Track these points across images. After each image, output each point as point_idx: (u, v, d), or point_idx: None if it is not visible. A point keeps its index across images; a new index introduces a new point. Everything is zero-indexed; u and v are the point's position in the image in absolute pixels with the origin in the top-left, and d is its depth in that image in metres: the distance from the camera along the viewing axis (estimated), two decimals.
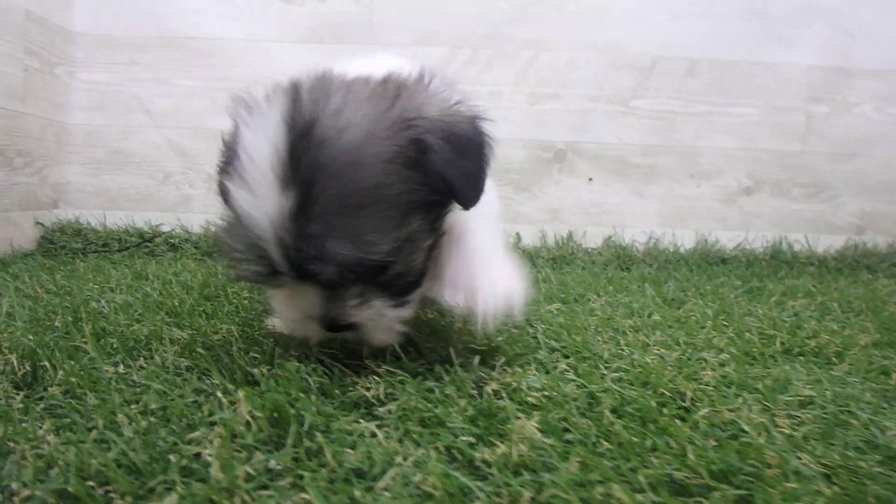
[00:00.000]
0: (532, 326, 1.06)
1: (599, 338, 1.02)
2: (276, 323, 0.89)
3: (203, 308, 1.15)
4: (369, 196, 0.66)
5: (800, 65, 2.20)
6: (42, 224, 1.97)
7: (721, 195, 2.23)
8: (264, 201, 0.65)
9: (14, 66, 1.78)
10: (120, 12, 2.08)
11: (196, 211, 2.13)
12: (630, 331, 1.08)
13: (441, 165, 0.69)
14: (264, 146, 0.66)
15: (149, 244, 2.00)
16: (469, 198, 0.72)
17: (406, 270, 0.72)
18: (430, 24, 2.13)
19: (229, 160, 0.73)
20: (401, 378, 0.74)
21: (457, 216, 0.78)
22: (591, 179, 2.20)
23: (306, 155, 0.65)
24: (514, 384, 0.75)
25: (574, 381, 0.78)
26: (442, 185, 0.70)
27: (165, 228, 2.07)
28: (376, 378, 0.75)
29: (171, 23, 2.09)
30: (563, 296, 1.42)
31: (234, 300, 1.24)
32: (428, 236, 0.74)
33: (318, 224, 0.65)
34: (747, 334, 1.07)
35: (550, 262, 2.07)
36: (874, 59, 2.21)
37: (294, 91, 0.71)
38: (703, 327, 1.13)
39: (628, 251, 2.14)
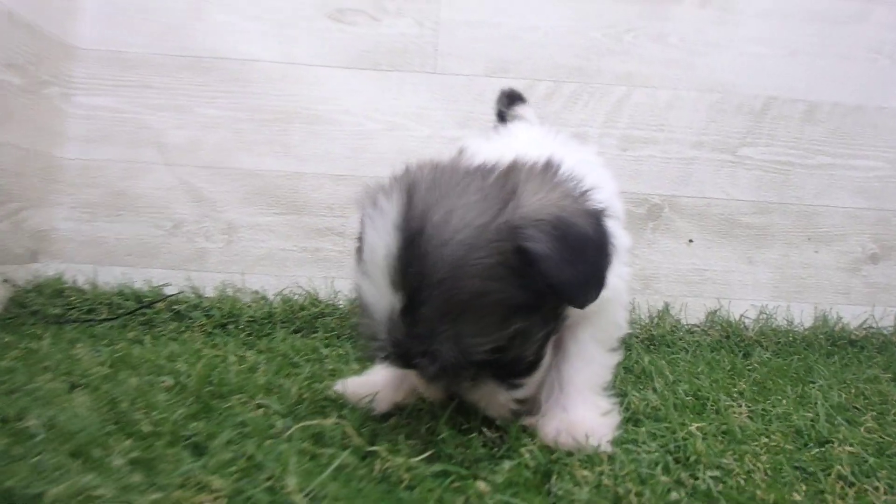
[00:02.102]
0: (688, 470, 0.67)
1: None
2: (347, 386, 0.93)
3: (191, 433, 0.74)
4: (470, 303, 0.68)
5: None
6: (12, 282, 1.54)
7: (844, 263, 1.86)
8: (381, 297, 0.69)
9: None
10: (135, 24, 1.71)
11: (211, 269, 1.71)
12: (830, 477, 0.69)
13: (549, 273, 0.68)
14: (381, 246, 0.69)
15: (147, 311, 1.57)
16: (582, 301, 0.72)
17: (518, 358, 0.76)
18: (505, 51, 1.79)
19: (360, 244, 0.75)
20: None
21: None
22: (691, 241, 1.83)
23: (413, 263, 0.67)
24: None
25: None
26: (550, 291, 0.70)
27: (171, 290, 1.65)
28: None
29: (196, 39, 1.72)
30: (691, 401, 1.03)
31: (243, 408, 0.84)
32: (541, 328, 0.75)
33: (423, 327, 0.68)
34: None
35: (645, 343, 1.67)
36: None
37: (409, 190, 0.71)
38: None
39: (738, 329, 1.75)
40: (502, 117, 1.44)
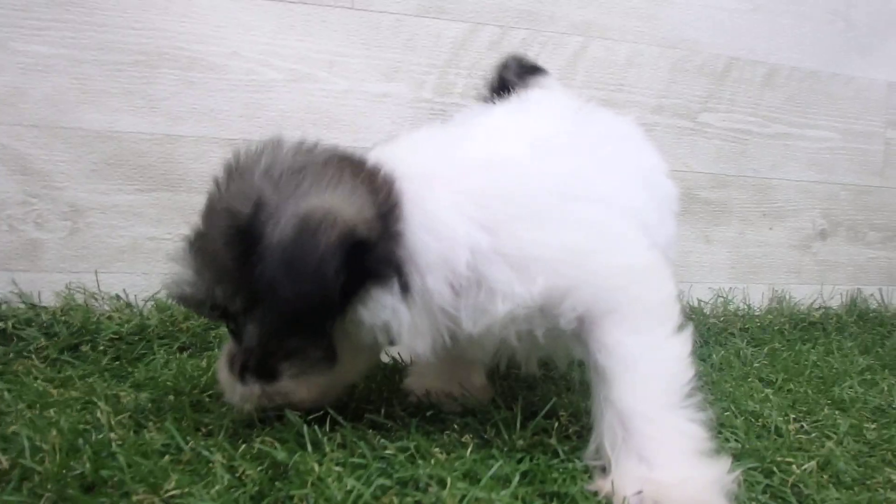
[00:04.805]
0: None
1: None
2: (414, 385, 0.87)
3: None
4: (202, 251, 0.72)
5: (879, 81, 1.79)
6: None
7: (796, 240, 1.75)
8: None
9: None
10: None
11: (48, 268, 1.25)
12: None
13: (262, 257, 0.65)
14: None
15: None
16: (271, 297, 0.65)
17: (249, 349, 0.71)
18: None
19: None
20: None
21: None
22: None
23: None
24: None
25: None
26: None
27: None
28: None
29: None
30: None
31: None
32: (263, 319, 0.69)
33: None
34: None
35: None
36: None
37: None
38: None
39: (700, 316, 1.58)
40: (503, 86, 1.09)
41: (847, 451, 0.73)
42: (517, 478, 0.59)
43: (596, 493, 0.61)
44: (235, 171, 0.70)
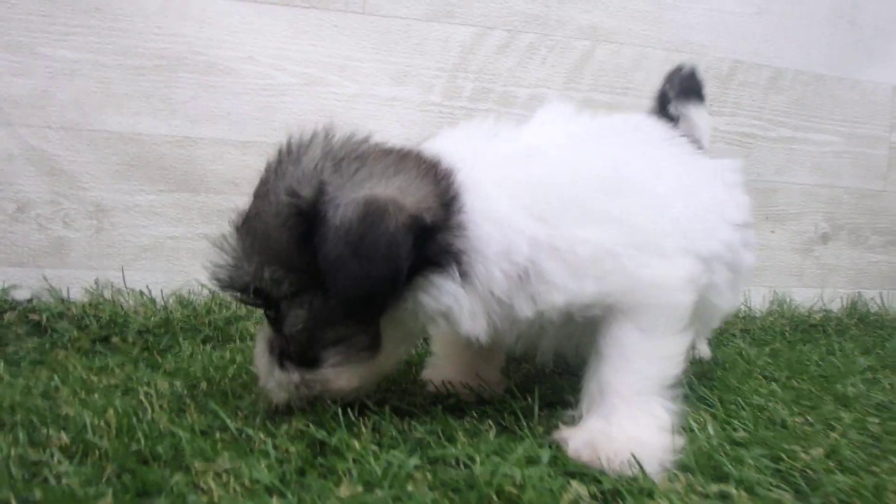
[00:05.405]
0: None
1: None
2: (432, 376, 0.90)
3: None
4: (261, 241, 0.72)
5: (885, 84, 1.80)
6: None
7: (798, 243, 1.78)
8: None
9: None
10: None
11: (75, 265, 1.31)
12: None
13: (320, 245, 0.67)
14: None
15: None
16: (335, 287, 0.66)
17: (293, 336, 0.72)
18: None
19: None
20: None
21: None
22: None
23: None
24: None
25: None
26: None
27: (22, 295, 1.24)
28: None
29: None
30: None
31: (209, 481, 0.59)
32: (319, 313, 0.70)
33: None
34: None
35: None
36: None
37: None
38: None
39: None
40: (664, 104, 1.12)
41: (851, 442, 0.77)
42: (546, 457, 0.64)
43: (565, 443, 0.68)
44: (292, 156, 0.70)
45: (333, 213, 0.64)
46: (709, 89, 1.64)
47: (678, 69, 1.15)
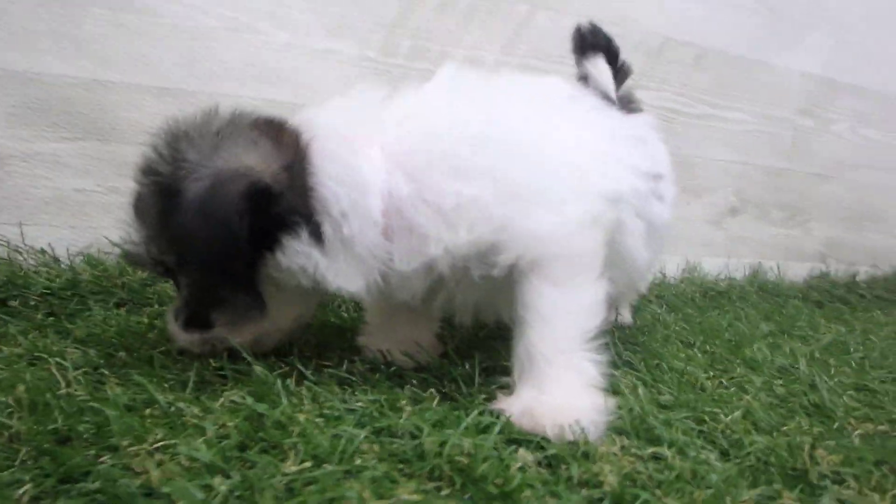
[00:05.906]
0: None
1: None
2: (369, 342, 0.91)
3: None
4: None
5: (795, 71, 1.93)
6: None
7: (710, 215, 1.89)
8: None
9: None
10: None
11: None
12: None
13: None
14: None
15: None
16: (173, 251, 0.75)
17: (186, 297, 0.78)
18: None
19: None
20: None
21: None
22: None
23: None
24: None
25: None
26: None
27: None
28: None
29: None
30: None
31: (141, 463, 0.54)
32: (194, 274, 0.76)
33: None
34: None
35: None
36: (856, 73, 2.02)
37: None
38: None
39: None
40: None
41: (763, 404, 0.83)
42: (497, 426, 0.65)
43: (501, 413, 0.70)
44: (165, 134, 0.75)
45: (187, 188, 0.68)
46: (639, 64, 1.69)
47: (577, 29, 1.17)
